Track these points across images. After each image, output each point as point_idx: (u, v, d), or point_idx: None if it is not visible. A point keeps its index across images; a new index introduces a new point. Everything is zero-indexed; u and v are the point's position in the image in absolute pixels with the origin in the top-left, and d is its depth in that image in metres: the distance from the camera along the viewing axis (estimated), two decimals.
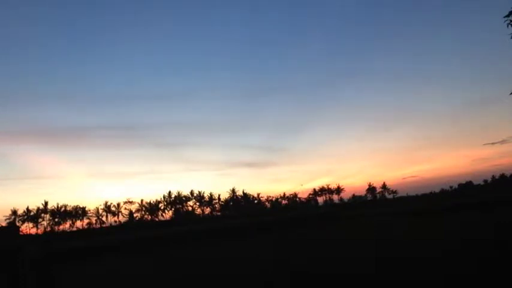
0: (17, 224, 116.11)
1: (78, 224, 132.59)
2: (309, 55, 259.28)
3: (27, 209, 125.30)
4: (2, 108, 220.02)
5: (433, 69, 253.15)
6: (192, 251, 32.52)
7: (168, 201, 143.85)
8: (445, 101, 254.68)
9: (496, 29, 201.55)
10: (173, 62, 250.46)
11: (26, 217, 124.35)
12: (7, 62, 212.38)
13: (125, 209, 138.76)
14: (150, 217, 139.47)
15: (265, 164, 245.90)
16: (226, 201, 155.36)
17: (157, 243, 43.90)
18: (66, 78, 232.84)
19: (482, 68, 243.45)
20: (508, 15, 9.83)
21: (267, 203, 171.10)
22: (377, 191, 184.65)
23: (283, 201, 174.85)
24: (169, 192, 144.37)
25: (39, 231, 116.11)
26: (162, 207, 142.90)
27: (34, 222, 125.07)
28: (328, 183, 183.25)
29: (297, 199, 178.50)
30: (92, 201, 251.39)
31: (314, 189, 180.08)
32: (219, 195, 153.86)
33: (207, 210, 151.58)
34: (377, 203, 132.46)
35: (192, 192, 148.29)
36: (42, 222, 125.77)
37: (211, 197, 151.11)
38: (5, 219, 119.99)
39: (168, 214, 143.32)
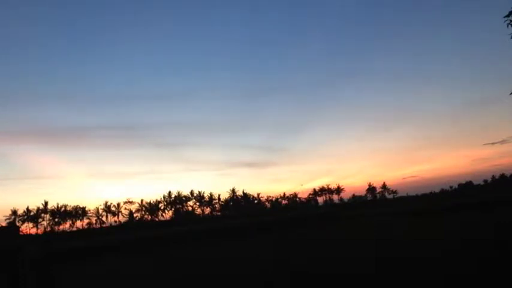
0: (17, 224, 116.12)
1: (78, 224, 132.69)
2: (309, 55, 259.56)
3: (27, 209, 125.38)
4: (2, 108, 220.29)
5: (433, 69, 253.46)
6: (192, 251, 32.52)
7: (168, 201, 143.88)
8: (445, 101, 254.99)
9: (496, 29, 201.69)
10: (173, 62, 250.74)
11: (26, 217, 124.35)
12: (7, 62, 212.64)
13: (125, 209, 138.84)
14: (150, 217, 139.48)
15: (265, 164, 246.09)
16: (226, 201, 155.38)
17: (157, 243, 43.90)
18: (66, 78, 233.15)
19: (482, 68, 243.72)
20: (508, 15, 9.83)
21: (267, 203, 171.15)
22: (377, 191, 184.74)
23: (283, 201, 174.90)
24: (169, 192, 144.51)
25: (39, 231, 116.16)
26: (162, 207, 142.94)
27: (34, 222, 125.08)
28: (328, 183, 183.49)
29: (297, 199, 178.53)
30: (92, 201, 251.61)
31: (314, 189, 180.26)
32: (219, 195, 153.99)
33: (207, 210, 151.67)
34: (377, 203, 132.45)
35: (192, 192, 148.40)
36: (42, 222, 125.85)
37: (211, 197, 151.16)
38: (5, 219, 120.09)
39: (168, 214, 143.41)
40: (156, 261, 26.78)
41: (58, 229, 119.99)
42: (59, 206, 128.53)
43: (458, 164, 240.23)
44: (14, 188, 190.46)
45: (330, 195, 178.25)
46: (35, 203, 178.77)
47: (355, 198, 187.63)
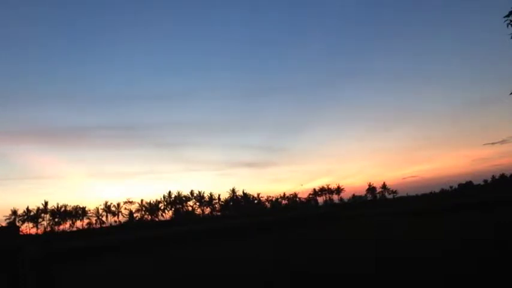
0: (17, 224, 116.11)
1: (78, 224, 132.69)
2: (309, 55, 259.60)
3: (27, 209, 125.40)
4: (2, 108, 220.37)
5: (433, 69, 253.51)
6: (192, 251, 32.52)
7: (168, 201, 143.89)
8: (445, 101, 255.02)
9: (496, 29, 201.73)
10: (173, 62, 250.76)
11: (26, 217, 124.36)
12: (7, 62, 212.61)
13: (125, 209, 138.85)
14: (150, 217, 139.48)
15: (265, 164, 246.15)
16: (226, 201, 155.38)
17: (157, 243, 43.90)
18: (66, 78, 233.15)
19: (482, 68, 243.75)
20: (508, 15, 9.83)
21: (267, 203, 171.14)
22: (377, 191, 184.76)
23: (283, 201, 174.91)
24: (169, 192, 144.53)
25: (39, 231, 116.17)
26: (162, 207, 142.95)
27: (34, 222, 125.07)
28: (328, 183, 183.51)
29: (297, 199, 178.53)
30: (92, 201, 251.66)
31: (314, 189, 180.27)
32: (219, 195, 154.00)
33: (207, 210, 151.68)
34: (377, 203, 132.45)
35: (192, 192, 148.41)
36: (42, 222, 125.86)
37: (211, 197, 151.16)
38: (5, 219, 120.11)
39: (168, 214, 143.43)
40: (156, 261, 26.78)
41: (58, 229, 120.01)
42: (59, 206, 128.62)
43: (458, 164, 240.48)
44: (14, 188, 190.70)
45: (330, 195, 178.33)
46: (35, 203, 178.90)
47: (355, 198, 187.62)
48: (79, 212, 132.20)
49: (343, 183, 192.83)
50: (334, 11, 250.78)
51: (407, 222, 40.60)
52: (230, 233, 48.69)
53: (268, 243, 31.97)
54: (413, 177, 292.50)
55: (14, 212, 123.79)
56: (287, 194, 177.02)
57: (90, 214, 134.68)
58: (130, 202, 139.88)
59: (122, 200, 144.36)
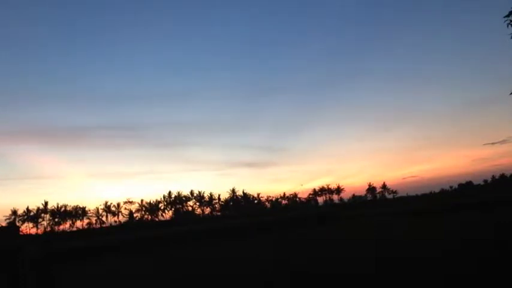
0: (17, 224, 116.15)
1: (78, 224, 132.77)
2: (309, 55, 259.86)
3: (27, 209, 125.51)
4: (2, 108, 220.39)
5: (433, 69, 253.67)
6: (192, 251, 32.52)
7: (168, 201, 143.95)
8: (445, 101, 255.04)
9: (496, 29, 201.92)
10: (173, 62, 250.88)
11: (26, 217, 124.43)
12: (7, 62, 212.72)
13: (125, 209, 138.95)
14: (150, 217, 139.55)
15: (265, 164, 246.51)
16: (226, 201, 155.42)
17: (157, 243, 43.88)
18: (66, 78, 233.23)
19: (482, 68, 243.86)
20: (508, 15, 9.83)
21: (267, 203, 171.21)
22: (377, 191, 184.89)
23: (283, 201, 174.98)
24: (169, 192, 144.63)
25: (39, 231, 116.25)
26: (162, 207, 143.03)
27: (34, 222, 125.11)
28: (328, 183, 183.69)
29: (297, 199, 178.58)
30: (92, 201, 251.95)
31: (314, 189, 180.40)
32: (219, 195, 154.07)
33: (207, 210, 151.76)
34: (377, 203, 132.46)
35: (192, 192, 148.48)
36: (42, 222, 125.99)
37: (211, 197, 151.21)
38: (5, 219, 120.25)
39: (168, 214, 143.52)
40: (156, 261, 26.77)
41: (58, 229, 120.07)
42: (59, 206, 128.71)
43: (458, 164, 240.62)
44: (14, 188, 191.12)
45: (330, 195, 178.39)
46: (35, 203, 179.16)
47: (355, 198, 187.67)
48: (79, 212, 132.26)
49: (343, 183, 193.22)
50: (334, 11, 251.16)
51: (407, 222, 40.59)
52: (230, 233, 48.67)
53: (268, 243, 31.96)
54: (413, 177, 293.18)
55: (14, 212, 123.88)
56: (287, 194, 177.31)
57: (90, 214, 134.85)
58: (130, 202, 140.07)
59: (122, 200, 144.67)
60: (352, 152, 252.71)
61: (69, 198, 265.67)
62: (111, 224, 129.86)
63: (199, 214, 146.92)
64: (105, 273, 23.53)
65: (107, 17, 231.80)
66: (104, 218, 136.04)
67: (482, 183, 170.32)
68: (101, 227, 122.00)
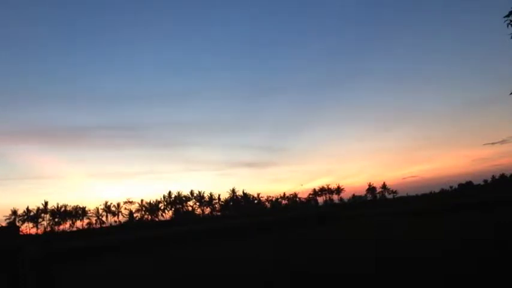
0: (17, 224, 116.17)
1: (78, 224, 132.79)
2: (309, 55, 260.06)
3: (27, 209, 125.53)
4: (2, 108, 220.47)
5: (433, 69, 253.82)
6: (192, 251, 32.51)
7: (168, 201, 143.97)
8: (445, 101, 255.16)
9: (496, 29, 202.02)
10: (173, 62, 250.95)
11: (26, 217, 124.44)
12: (7, 62, 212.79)
13: (125, 209, 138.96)
14: (150, 217, 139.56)
15: (265, 164, 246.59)
16: (226, 201, 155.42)
17: (157, 243, 43.87)
18: (66, 78, 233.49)
19: (482, 68, 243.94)
20: (508, 15, 9.83)
21: (267, 203, 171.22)
22: (377, 191, 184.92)
23: (283, 201, 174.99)
24: (169, 192, 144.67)
25: (39, 231, 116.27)
26: (162, 207, 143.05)
27: (34, 222, 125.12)
28: (328, 183, 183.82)
29: (297, 199, 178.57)
30: (92, 201, 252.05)
31: (314, 189, 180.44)
32: (219, 195, 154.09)
33: (207, 210, 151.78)
34: (377, 203, 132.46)
35: (192, 192, 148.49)
36: (42, 222, 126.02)
37: (211, 197, 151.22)
38: (5, 219, 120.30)
39: (168, 214, 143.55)
40: (156, 261, 26.77)
41: (58, 229, 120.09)
42: (59, 206, 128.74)
43: (458, 164, 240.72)
44: (14, 188, 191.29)
45: (330, 195, 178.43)
46: (35, 203, 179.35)
47: (355, 198, 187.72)
48: (79, 212, 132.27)
49: (343, 183, 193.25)
50: (334, 11, 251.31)
51: (407, 222, 40.58)
52: (230, 233, 48.66)
53: (268, 243, 31.96)
54: (413, 177, 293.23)
55: (14, 212, 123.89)
56: (287, 194, 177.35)
57: (90, 214, 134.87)
58: (131, 202, 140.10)
59: (122, 200, 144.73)
60: (352, 152, 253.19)
61: (69, 198, 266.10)
62: (111, 224, 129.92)
63: (199, 214, 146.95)
64: (105, 273, 23.52)
65: (107, 17, 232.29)
66: (104, 218, 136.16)
67: (482, 183, 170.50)
68: (101, 227, 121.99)
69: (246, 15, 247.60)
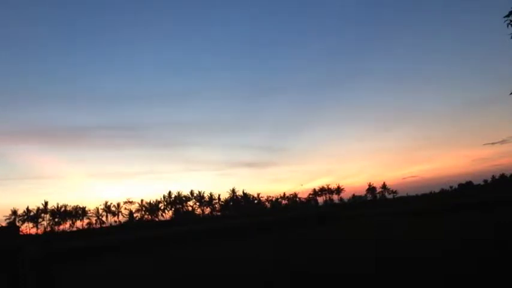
0: (17, 224, 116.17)
1: (78, 224, 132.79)
2: (309, 55, 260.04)
3: (27, 209, 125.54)
4: (2, 108, 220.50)
5: (433, 69, 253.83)
6: (192, 251, 32.52)
7: (168, 201, 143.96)
8: (445, 101, 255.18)
9: (496, 29, 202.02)
10: (173, 62, 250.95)
11: (26, 217, 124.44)
12: (7, 62, 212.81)
13: (125, 209, 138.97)
14: (150, 217, 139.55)
15: (265, 164, 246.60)
16: (226, 201, 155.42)
17: (157, 243, 43.87)
18: (66, 78, 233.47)
19: (482, 68, 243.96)
20: (508, 15, 9.83)
21: (267, 203, 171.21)
22: (377, 191, 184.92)
23: (283, 201, 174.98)
24: (169, 192, 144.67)
25: (39, 231, 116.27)
26: (162, 207, 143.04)
27: (34, 222, 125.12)
28: (328, 183, 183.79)
29: (297, 199, 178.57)
30: (92, 201, 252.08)
31: (314, 189, 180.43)
32: (219, 195, 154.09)
33: (207, 210, 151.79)
34: (377, 203, 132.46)
35: (192, 192, 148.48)
36: (42, 222, 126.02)
37: (211, 197, 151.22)
38: (5, 219, 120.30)
39: (168, 214, 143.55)
40: (156, 261, 26.77)
41: (58, 229, 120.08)
42: (59, 206, 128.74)
43: (458, 164, 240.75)
44: (14, 188, 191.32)
45: (330, 195, 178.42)
46: (35, 203, 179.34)
47: (355, 198, 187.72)
48: (79, 212, 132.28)
49: (343, 183, 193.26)
50: (334, 11, 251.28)
51: (407, 222, 40.58)
52: (230, 233, 48.65)
53: (268, 243, 31.96)
54: (413, 177, 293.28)
55: (14, 212, 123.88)
56: (287, 194, 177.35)
57: (90, 214, 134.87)
58: (131, 202, 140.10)
59: (122, 200, 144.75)
60: (352, 152, 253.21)
61: (69, 198, 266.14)
62: (111, 224, 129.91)
63: (199, 214, 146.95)
64: (105, 273, 23.53)
65: (107, 17, 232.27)
66: (104, 218, 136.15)
67: (482, 183, 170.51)
68: (101, 227, 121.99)
69: (246, 15, 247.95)
